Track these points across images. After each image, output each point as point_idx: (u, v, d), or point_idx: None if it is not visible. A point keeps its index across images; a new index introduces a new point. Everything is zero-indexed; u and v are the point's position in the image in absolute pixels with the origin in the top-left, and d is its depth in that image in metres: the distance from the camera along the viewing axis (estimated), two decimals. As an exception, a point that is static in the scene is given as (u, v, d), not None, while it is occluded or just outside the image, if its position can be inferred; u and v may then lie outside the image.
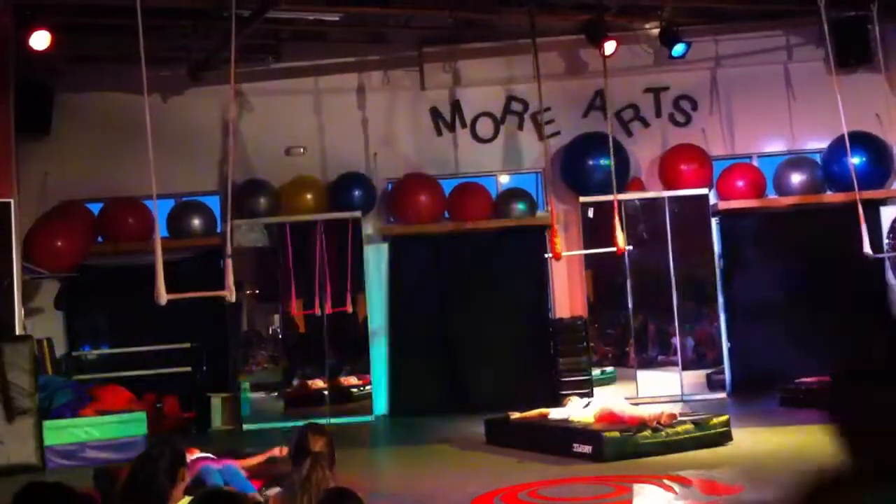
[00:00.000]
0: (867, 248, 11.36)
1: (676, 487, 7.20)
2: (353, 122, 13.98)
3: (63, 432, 10.59)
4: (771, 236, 13.60)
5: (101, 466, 8.84)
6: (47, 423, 10.54)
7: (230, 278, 8.94)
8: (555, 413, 9.93)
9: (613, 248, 11.47)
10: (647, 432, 8.84)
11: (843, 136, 11.68)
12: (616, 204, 11.47)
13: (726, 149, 14.07)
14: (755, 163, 14.10)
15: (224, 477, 6.99)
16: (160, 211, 13.23)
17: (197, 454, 7.35)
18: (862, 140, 13.13)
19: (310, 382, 13.72)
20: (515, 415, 10.08)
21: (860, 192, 11.77)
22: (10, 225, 11.34)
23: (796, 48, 13.99)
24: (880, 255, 12.62)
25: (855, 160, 12.51)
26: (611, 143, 11.88)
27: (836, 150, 13.07)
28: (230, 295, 9.29)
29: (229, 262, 9.20)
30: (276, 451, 7.67)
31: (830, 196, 13.60)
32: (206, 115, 13.68)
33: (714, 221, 13.65)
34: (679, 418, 9.28)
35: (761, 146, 14.23)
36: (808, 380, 11.64)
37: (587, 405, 9.73)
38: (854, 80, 13.43)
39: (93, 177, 13.40)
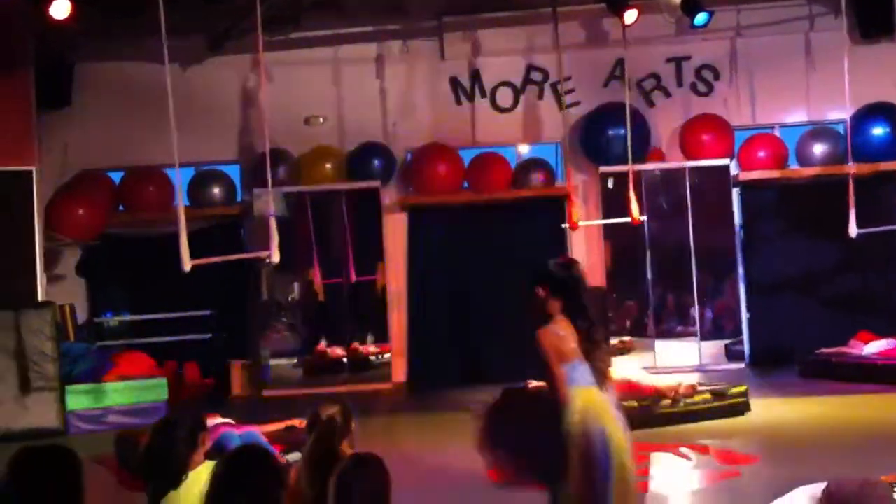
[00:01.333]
0: (853, 229, 11.03)
1: (693, 456, 7.22)
2: (372, 92, 13.94)
3: (85, 397, 10.75)
4: (792, 207, 13.51)
5: (122, 432, 8.95)
6: (70, 389, 10.70)
7: (275, 239, 9.01)
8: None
9: (629, 219, 11.44)
10: (665, 401, 8.86)
11: (866, 106, 11.56)
12: (632, 174, 11.41)
13: (748, 119, 13.95)
14: (777, 133, 13.99)
15: (245, 441, 7.06)
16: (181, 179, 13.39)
17: (217, 420, 7.43)
18: (884, 111, 13.02)
19: (329, 350, 13.82)
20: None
21: (883, 162, 11.66)
22: (32, 193, 11.45)
23: (818, 18, 13.81)
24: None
25: (878, 130, 12.39)
26: (627, 112, 11.78)
27: (860, 120, 12.96)
28: (273, 256, 9.37)
29: (272, 221, 9.28)
30: (295, 422, 7.74)
31: (854, 167, 13.44)
32: (226, 84, 13.70)
33: (735, 192, 13.58)
34: (698, 389, 9.30)
35: (783, 116, 14.10)
36: (828, 351, 11.64)
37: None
38: (876, 50, 13.29)
39: (114, 146, 13.46)
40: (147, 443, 4.22)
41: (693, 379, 9.92)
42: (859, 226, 12.78)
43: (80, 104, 13.35)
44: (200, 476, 3.98)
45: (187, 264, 8.51)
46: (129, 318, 13.74)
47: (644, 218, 11.94)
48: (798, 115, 14.02)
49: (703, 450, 7.43)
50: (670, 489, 6.29)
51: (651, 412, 8.76)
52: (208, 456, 4.36)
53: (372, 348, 13.84)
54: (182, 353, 12.79)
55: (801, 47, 13.87)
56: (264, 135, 12.01)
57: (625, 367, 10.03)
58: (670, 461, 7.19)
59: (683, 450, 7.31)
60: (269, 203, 10.23)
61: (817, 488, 4.92)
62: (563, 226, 13.03)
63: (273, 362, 13.58)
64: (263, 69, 11.43)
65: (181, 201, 9.23)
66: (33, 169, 11.48)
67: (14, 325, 10.54)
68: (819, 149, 13.43)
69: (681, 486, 6.36)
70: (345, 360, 13.62)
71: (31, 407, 10.42)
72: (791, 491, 4.94)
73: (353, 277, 13.38)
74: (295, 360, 13.80)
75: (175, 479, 4.05)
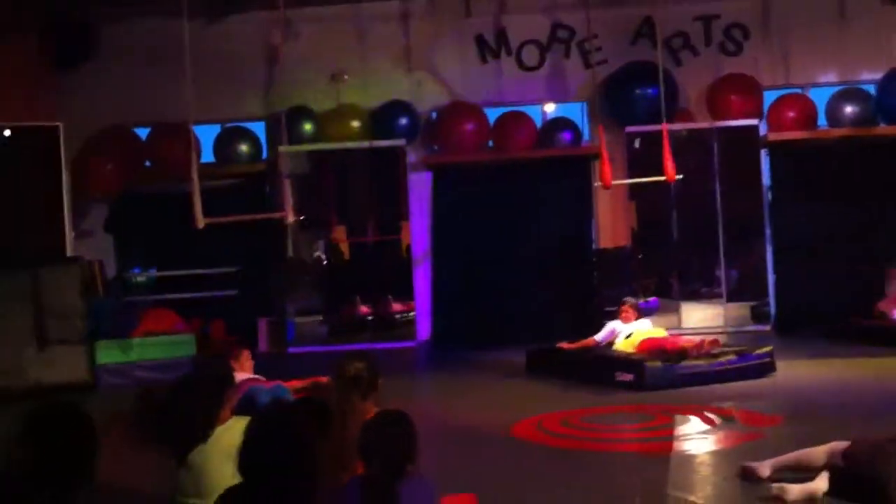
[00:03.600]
0: None
1: (717, 419, 7.22)
2: (396, 50, 13.87)
3: (113, 352, 10.90)
4: (821, 169, 13.35)
5: (142, 388, 9.04)
6: (98, 343, 10.85)
7: (289, 200, 9.01)
8: (609, 326, 9.97)
9: (663, 178, 11.32)
10: (689, 361, 8.85)
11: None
12: (666, 132, 11.27)
13: (778, 79, 13.76)
14: (807, 94, 13.80)
15: (274, 395, 7.10)
16: (206, 137, 13.43)
17: (245, 375, 7.48)
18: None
19: (354, 308, 13.88)
20: (566, 345, 10.08)
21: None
22: (59, 149, 11.51)
23: (851, -24, 13.57)
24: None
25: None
26: (660, 69, 11.62)
27: (891, 81, 12.75)
28: (289, 216, 9.37)
29: (286, 182, 9.24)
30: (320, 379, 7.79)
31: (884, 128, 13.28)
32: (250, 41, 13.66)
33: (763, 153, 13.43)
34: (721, 348, 9.28)
35: (814, 76, 13.90)
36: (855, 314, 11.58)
37: (630, 335, 9.73)
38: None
39: (139, 103, 13.48)
40: (172, 399, 4.22)
41: (718, 336, 9.95)
42: (886, 188, 12.69)
43: (107, 60, 13.38)
44: (229, 430, 4.02)
45: (200, 222, 8.56)
46: (156, 273, 13.85)
47: (680, 176, 11.80)
48: (828, 76, 13.82)
49: (727, 413, 7.43)
50: (695, 450, 6.31)
51: (675, 373, 8.75)
52: (236, 411, 4.39)
53: (397, 306, 13.90)
54: (208, 310, 12.90)
55: (834, 6, 13.63)
56: (285, 92, 12.05)
57: (649, 326, 10.04)
58: (695, 422, 7.20)
59: (709, 414, 7.30)
60: (285, 163, 10.24)
61: (841, 444, 4.95)
62: (595, 184, 12.89)
63: (298, 320, 13.67)
64: (281, 26, 11.33)
65: (195, 158, 9.22)
66: (59, 125, 11.52)
67: (34, 280, 10.64)
68: (849, 109, 13.24)
69: (705, 447, 6.37)
70: (369, 317, 13.69)
71: (60, 361, 10.58)
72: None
73: (378, 236, 13.40)
74: (320, 318, 13.88)
75: (202, 434, 4.07)
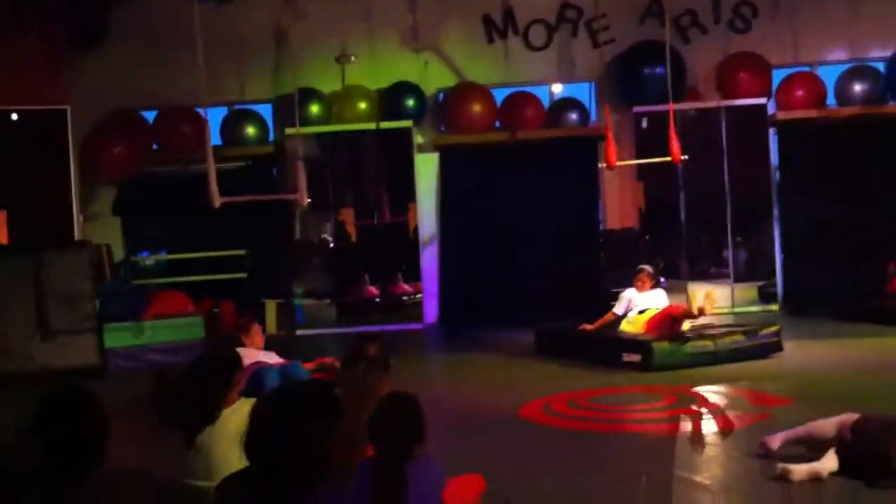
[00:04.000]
0: None
1: (722, 402, 7.22)
2: (403, 30, 13.82)
3: (123, 335, 10.93)
4: (830, 148, 13.29)
5: (159, 371, 9.11)
6: (108, 326, 10.88)
7: (303, 183, 8.94)
8: (627, 296, 9.90)
9: (669, 158, 11.27)
10: (695, 343, 8.85)
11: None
12: (672, 112, 11.22)
13: (787, 57, 13.67)
14: (816, 72, 13.71)
15: (284, 370, 7.13)
16: (214, 119, 13.43)
17: (255, 351, 7.49)
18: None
19: (362, 290, 13.91)
20: (588, 326, 9.98)
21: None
22: (67, 132, 11.52)
23: (861, -48, 13.45)
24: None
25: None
26: (668, 49, 11.55)
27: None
28: (302, 199, 9.30)
29: (300, 164, 9.20)
30: (328, 360, 7.82)
31: (893, 106, 13.21)
32: (258, 22, 13.63)
33: (772, 132, 13.38)
34: (722, 322, 9.26)
35: (823, 55, 13.81)
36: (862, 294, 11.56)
37: (643, 311, 9.67)
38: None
39: (147, 85, 13.47)
40: (182, 381, 4.25)
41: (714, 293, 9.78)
42: (893, 167, 12.63)
43: (115, 42, 13.37)
44: (236, 413, 4.05)
45: (216, 201, 8.57)
46: (165, 256, 13.89)
47: (686, 157, 11.76)
48: (838, 54, 13.73)
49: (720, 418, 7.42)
50: (702, 431, 6.32)
51: (682, 353, 8.76)
52: (245, 393, 4.41)
53: (405, 287, 13.92)
54: (218, 292, 12.94)
55: (843, -17, 13.53)
56: (292, 73, 12.01)
57: (664, 298, 9.93)
58: (702, 402, 7.20)
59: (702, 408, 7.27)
60: (297, 146, 10.21)
61: (851, 417, 4.96)
62: (600, 165, 12.89)
63: (306, 302, 13.71)
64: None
65: (208, 138, 9.21)
66: (67, 108, 11.53)
67: (42, 264, 10.66)
68: (859, 87, 13.16)
69: (712, 428, 6.38)
70: (377, 299, 13.71)
71: (69, 345, 10.61)
72: None
73: (385, 218, 13.40)
74: (328, 300, 13.91)
75: (209, 416, 4.10)
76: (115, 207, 13.61)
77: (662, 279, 13.57)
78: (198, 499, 3.94)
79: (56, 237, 11.18)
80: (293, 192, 10.57)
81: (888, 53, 13.21)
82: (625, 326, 9.67)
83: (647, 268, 10.09)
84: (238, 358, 4.42)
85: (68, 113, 11.50)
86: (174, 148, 13.27)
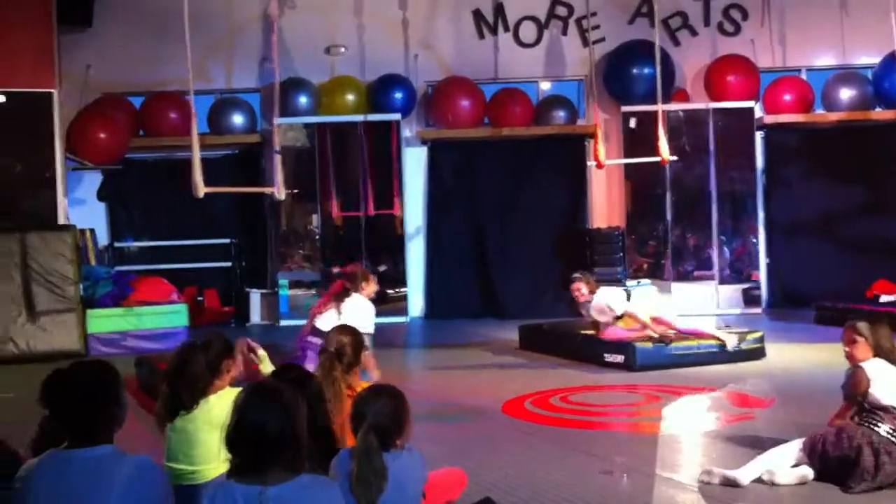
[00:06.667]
0: None
1: (707, 399, 7.25)
2: (393, 23, 13.79)
3: (105, 321, 10.89)
4: (816, 152, 13.38)
5: (143, 355, 9.06)
6: (91, 312, 10.82)
7: (279, 175, 8.88)
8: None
9: (657, 158, 11.27)
10: (679, 342, 8.85)
11: (895, 51, 11.34)
12: (661, 113, 11.23)
13: (775, 61, 13.74)
14: (804, 76, 13.78)
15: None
16: (201, 107, 13.36)
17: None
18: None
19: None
20: (589, 332, 9.72)
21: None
22: (53, 116, 11.44)
23: (852, -42, 13.52)
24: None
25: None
26: (657, 50, 11.57)
27: (888, 65, 12.75)
28: (279, 192, 9.23)
29: (277, 158, 9.12)
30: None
31: (879, 113, 13.29)
32: (247, 11, 13.57)
33: (759, 135, 13.43)
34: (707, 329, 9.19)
35: (811, 59, 13.88)
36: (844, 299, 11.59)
37: (620, 316, 9.55)
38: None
39: (135, 70, 13.42)
40: (171, 363, 4.23)
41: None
42: (883, 172, 12.70)
43: (102, 26, 13.28)
44: (221, 400, 4.03)
45: (200, 191, 8.50)
46: (149, 243, 13.83)
47: (674, 158, 11.76)
48: (826, 59, 13.80)
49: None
50: (683, 431, 6.34)
51: (666, 353, 8.77)
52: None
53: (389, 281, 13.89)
54: (202, 280, 12.90)
55: (834, -12, 13.60)
56: (281, 63, 11.97)
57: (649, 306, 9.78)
58: (684, 403, 7.23)
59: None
60: (276, 138, 10.12)
61: (802, 441, 4.99)
62: (589, 163, 12.92)
63: (291, 292, 13.66)
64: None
65: (194, 125, 9.14)
66: (54, 91, 11.45)
67: (24, 247, 10.60)
68: (846, 93, 13.23)
69: (693, 428, 6.40)
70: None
71: (52, 329, 10.56)
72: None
73: (372, 210, 13.38)
74: (313, 291, 13.86)
75: (192, 400, 4.08)
76: (101, 193, 13.54)
77: (646, 279, 13.56)
78: (177, 481, 3.93)
79: (40, 220, 11.11)
80: (272, 183, 10.55)
81: (875, 60, 13.29)
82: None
83: (578, 274, 9.35)
84: (230, 346, 4.37)
85: (55, 96, 11.41)
86: (161, 133, 13.21)
